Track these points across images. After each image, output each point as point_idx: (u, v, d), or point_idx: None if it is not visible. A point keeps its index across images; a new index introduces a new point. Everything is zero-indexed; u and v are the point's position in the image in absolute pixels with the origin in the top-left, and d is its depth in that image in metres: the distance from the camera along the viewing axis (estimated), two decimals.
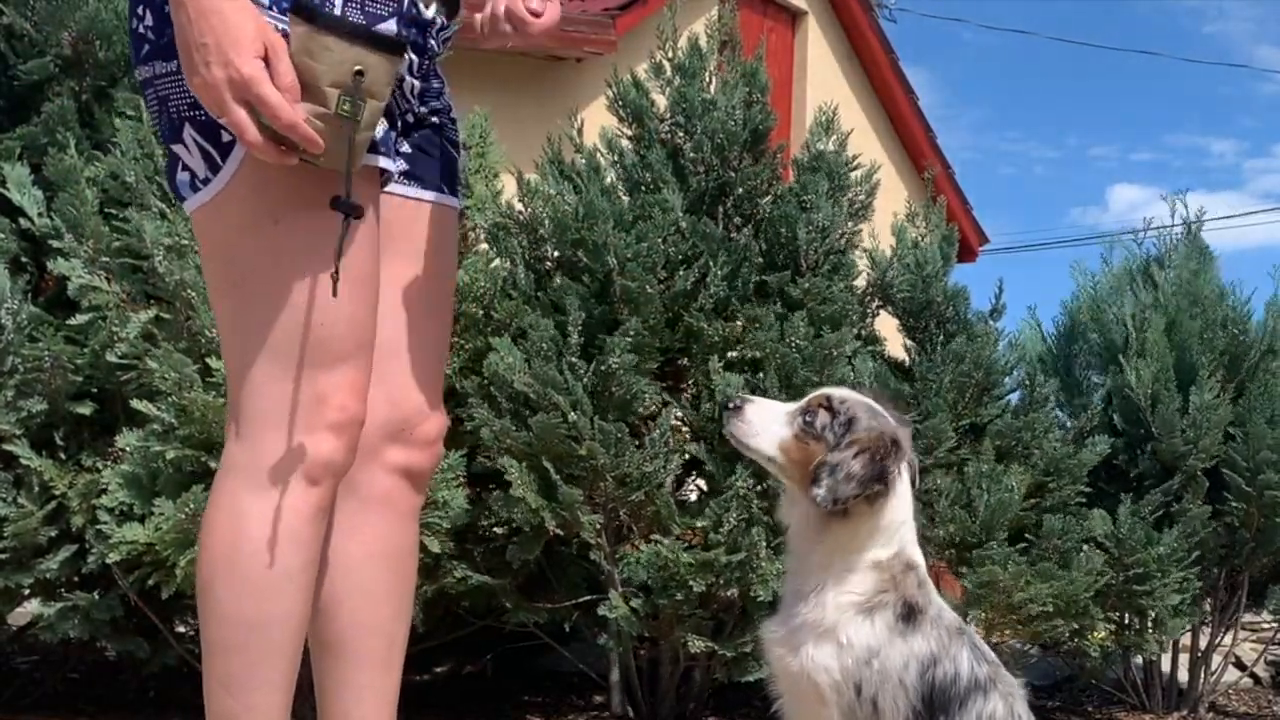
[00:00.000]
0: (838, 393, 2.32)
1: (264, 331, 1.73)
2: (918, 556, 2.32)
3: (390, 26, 1.77)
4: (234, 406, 1.80)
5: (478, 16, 1.95)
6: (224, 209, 1.73)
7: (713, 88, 4.26)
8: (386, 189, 1.88)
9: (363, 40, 1.64)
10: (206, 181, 1.73)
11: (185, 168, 1.75)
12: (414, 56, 1.84)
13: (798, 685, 2.28)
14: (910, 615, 2.25)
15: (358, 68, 1.62)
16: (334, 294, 1.68)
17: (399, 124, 1.87)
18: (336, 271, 1.67)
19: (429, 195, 1.96)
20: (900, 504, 2.27)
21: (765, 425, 2.28)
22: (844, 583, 2.24)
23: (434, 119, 1.96)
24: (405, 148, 1.92)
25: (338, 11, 1.71)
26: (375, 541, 1.95)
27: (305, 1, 1.64)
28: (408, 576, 2.01)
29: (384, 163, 1.79)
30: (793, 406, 2.31)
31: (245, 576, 1.73)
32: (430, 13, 1.86)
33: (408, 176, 1.93)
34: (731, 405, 2.32)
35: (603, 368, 3.77)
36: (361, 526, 1.95)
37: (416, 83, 1.88)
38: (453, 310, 2.06)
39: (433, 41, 1.89)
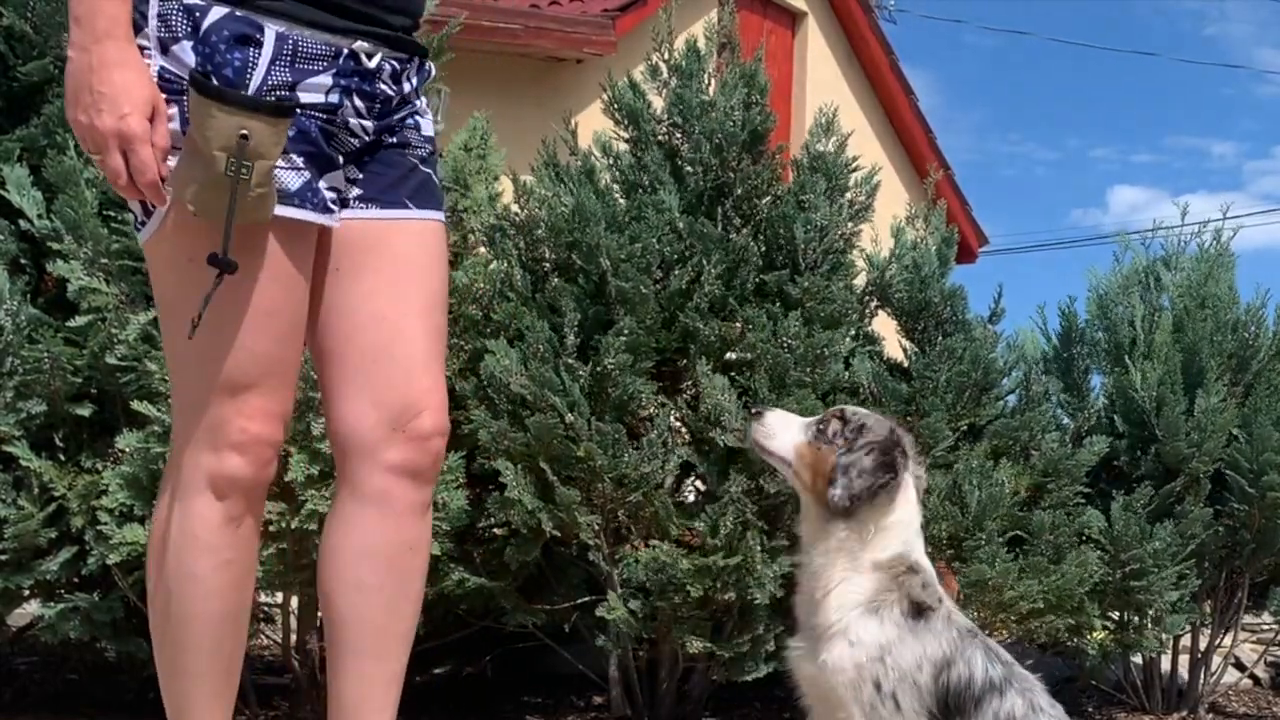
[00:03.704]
0: (850, 408, 2.46)
1: (183, 358, 1.95)
2: (924, 562, 2.38)
3: (324, 80, 1.93)
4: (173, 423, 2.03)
5: None
6: (157, 248, 1.94)
7: (711, 89, 4.26)
8: (344, 217, 2.03)
9: (243, 107, 1.78)
10: (143, 225, 1.94)
11: (131, 209, 1.98)
12: (360, 103, 1.98)
13: (820, 691, 2.34)
14: (918, 613, 2.30)
15: (242, 132, 1.76)
16: (189, 336, 1.85)
17: (341, 159, 2.00)
18: (198, 318, 1.83)
19: (391, 214, 2.08)
20: (904, 509, 2.36)
21: (783, 430, 2.42)
22: (848, 584, 2.31)
23: (393, 140, 2.08)
24: (358, 174, 2.05)
25: (260, 74, 1.86)
26: (368, 537, 2.06)
27: (194, 74, 1.81)
28: (405, 571, 2.10)
29: (293, 213, 1.91)
30: (810, 420, 2.44)
31: (164, 576, 1.96)
32: (373, 63, 1.99)
33: (363, 200, 2.06)
34: (754, 411, 2.49)
35: (598, 369, 3.77)
36: (357, 524, 2.06)
37: (368, 122, 2.01)
38: (444, 314, 2.17)
39: (383, 85, 2.01)
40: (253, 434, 1.93)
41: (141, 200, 1.88)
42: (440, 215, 2.15)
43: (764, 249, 4.14)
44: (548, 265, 4.11)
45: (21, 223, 3.72)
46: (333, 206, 1.99)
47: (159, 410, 3.44)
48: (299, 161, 1.91)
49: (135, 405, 3.47)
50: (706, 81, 4.27)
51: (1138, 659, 5.14)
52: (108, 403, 3.70)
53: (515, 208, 4.17)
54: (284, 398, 1.99)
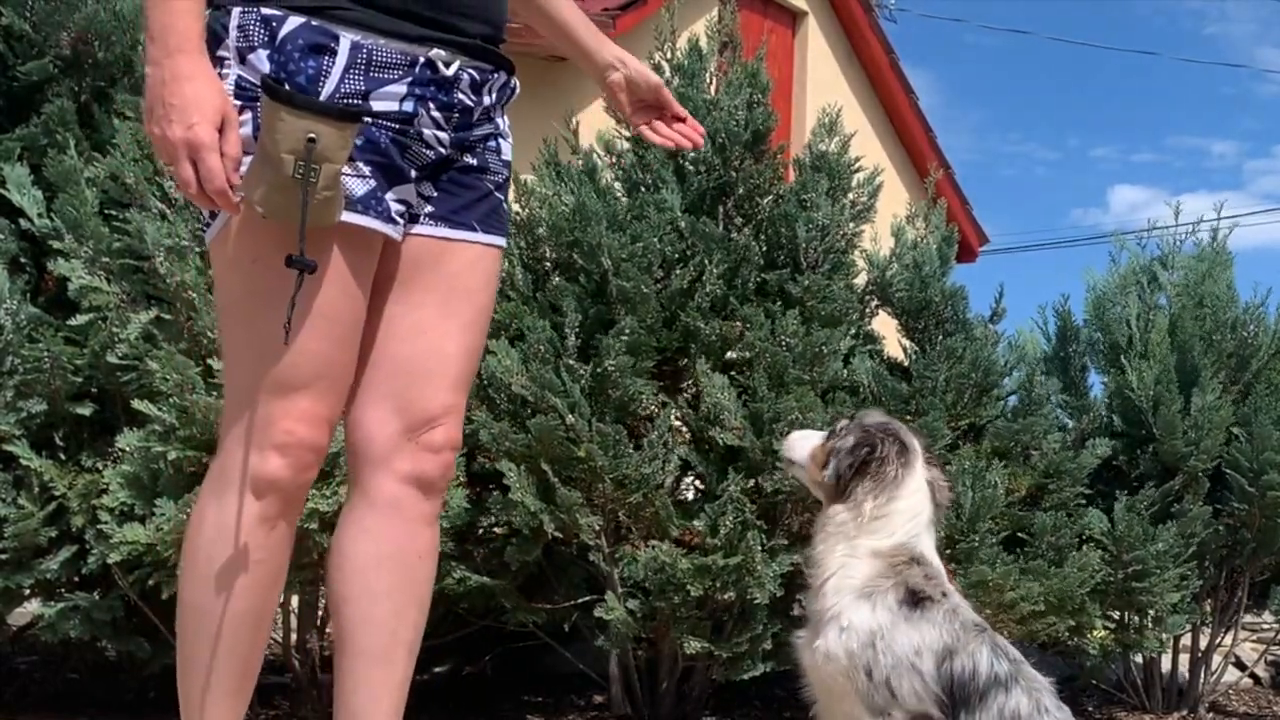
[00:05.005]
0: (866, 410, 2.60)
1: (239, 356, 1.98)
2: (930, 556, 2.40)
3: (399, 88, 1.94)
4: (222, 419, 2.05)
5: (615, 75, 2.46)
6: (221, 247, 1.97)
7: (714, 88, 4.26)
8: (411, 231, 2.05)
9: (311, 111, 1.81)
10: (208, 225, 1.99)
11: (201, 211, 2.03)
12: (437, 113, 1.99)
13: (818, 678, 2.36)
14: (915, 602, 2.30)
15: (310, 135, 1.79)
16: (285, 341, 1.89)
17: (414, 173, 2.00)
18: (288, 321, 1.87)
19: (456, 234, 2.09)
20: (908, 499, 2.39)
21: (803, 443, 2.57)
22: (845, 570, 2.35)
23: (473, 161, 2.09)
24: (433, 192, 2.07)
25: (333, 82, 1.90)
26: (380, 544, 2.08)
27: (265, 79, 1.85)
28: (415, 578, 2.13)
29: (356, 219, 1.92)
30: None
31: (195, 569, 1.98)
32: (451, 71, 1.99)
33: (433, 218, 2.08)
34: (780, 436, 2.72)
35: (599, 369, 3.77)
36: (369, 530, 2.08)
37: (445, 134, 2.01)
38: (483, 336, 2.21)
39: (461, 95, 2.01)
40: (298, 436, 1.95)
41: (212, 209, 1.92)
42: (502, 241, 2.17)
43: (765, 248, 4.14)
44: (548, 265, 4.11)
45: (22, 222, 3.72)
46: (397, 218, 2.00)
47: (160, 409, 3.44)
48: (365, 170, 1.93)
49: (136, 404, 3.46)
50: (709, 80, 4.27)
51: (1138, 658, 5.14)
52: (108, 402, 3.69)
53: (516, 207, 4.17)
54: (333, 403, 2.01)
